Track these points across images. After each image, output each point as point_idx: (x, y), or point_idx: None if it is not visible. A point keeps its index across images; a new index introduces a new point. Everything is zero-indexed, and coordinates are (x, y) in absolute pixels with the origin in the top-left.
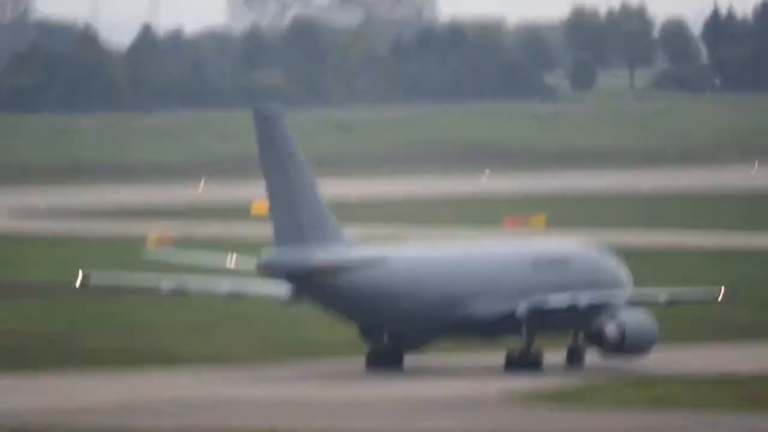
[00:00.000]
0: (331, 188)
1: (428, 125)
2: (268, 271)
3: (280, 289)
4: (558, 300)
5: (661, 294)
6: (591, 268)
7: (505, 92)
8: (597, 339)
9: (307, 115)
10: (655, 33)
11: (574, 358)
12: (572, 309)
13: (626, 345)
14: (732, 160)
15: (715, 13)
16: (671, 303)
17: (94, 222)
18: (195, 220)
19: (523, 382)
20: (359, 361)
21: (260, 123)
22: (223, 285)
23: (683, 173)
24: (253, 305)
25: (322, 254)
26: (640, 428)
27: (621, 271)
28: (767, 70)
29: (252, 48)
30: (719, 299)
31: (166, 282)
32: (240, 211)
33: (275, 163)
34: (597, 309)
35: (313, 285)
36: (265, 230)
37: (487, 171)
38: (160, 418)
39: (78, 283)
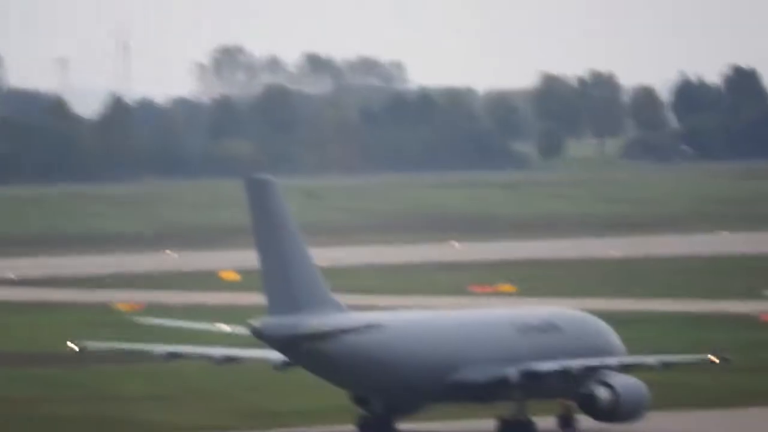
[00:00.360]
0: None
1: (398, 194)
2: (259, 337)
3: (274, 354)
4: (550, 365)
5: (654, 359)
6: (582, 335)
7: (474, 161)
8: (589, 404)
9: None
10: (625, 101)
11: (566, 423)
12: (565, 374)
13: (619, 410)
14: (701, 228)
15: (685, 81)
16: (665, 367)
17: (65, 291)
18: (164, 289)
19: None
20: (349, 429)
21: (252, 192)
22: (217, 350)
23: (653, 240)
24: (231, 374)
25: (312, 321)
26: None
27: (612, 337)
28: (737, 137)
29: (222, 117)
30: (713, 362)
31: (160, 347)
32: (208, 280)
33: (267, 231)
34: (589, 374)
35: (303, 352)
36: (231, 299)
37: (455, 243)
38: None
39: (75, 349)
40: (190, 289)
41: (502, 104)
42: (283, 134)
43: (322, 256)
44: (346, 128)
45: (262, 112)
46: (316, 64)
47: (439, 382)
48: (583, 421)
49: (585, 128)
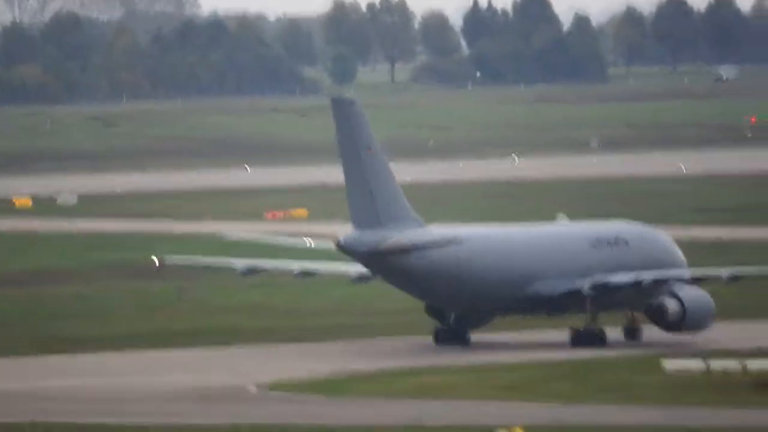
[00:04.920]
0: (94, 182)
1: (188, 119)
2: (344, 251)
3: (350, 267)
4: (622, 277)
5: (724, 272)
6: (648, 248)
7: (265, 86)
8: (658, 316)
9: (68, 110)
10: (416, 27)
11: (632, 334)
12: (635, 286)
13: (686, 321)
14: (493, 153)
15: (475, 7)
16: (734, 280)
17: None
18: None
19: (300, 372)
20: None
21: (337, 112)
22: (296, 263)
23: (446, 165)
24: (31, 302)
25: (395, 236)
26: (402, 416)
27: (675, 249)
28: (526, 63)
29: (13, 43)
30: None
31: (241, 262)
32: (1, 207)
33: (351, 149)
34: (659, 286)
35: (385, 265)
36: (24, 225)
37: (247, 168)
38: None
39: (157, 264)
40: None
41: (293, 30)
42: (75, 61)
43: (115, 182)
44: (137, 54)
45: (53, 39)
46: None
47: (514, 295)
48: (648, 331)
49: (376, 54)
